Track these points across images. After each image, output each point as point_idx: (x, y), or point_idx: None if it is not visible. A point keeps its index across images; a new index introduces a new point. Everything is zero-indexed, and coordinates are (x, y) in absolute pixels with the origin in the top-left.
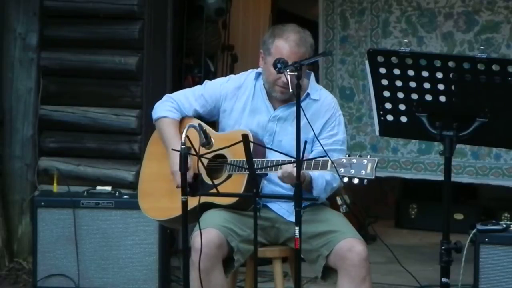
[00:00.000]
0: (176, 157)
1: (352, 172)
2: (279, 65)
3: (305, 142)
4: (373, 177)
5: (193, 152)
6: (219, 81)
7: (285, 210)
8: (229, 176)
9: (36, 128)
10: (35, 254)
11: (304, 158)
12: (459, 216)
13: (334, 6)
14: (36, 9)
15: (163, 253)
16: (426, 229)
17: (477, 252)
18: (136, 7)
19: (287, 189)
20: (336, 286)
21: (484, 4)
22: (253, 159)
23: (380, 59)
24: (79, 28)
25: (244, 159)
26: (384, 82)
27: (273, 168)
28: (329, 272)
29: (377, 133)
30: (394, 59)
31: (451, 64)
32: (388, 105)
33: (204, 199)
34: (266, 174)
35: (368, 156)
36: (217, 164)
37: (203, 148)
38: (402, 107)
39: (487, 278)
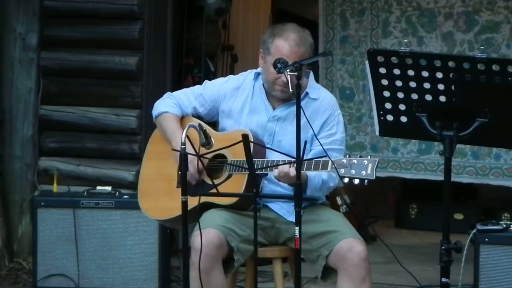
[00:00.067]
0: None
1: (353, 173)
2: (279, 65)
3: (305, 142)
4: (374, 177)
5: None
6: (218, 81)
7: (285, 210)
8: (229, 176)
9: (36, 128)
10: (35, 254)
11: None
12: (459, 216)
13: (334, 6)
14: (36, 9)
15: (163, 253)
16: (426, 229)
17: (477, 252)
18: (136, 7)
19: (287, 189)
20: (336, 286)
21: (484, 4)
22: (253, 159)
23: (380, 59)
24: (79, 28)
25: (244, 159)
26: (384, 82)
27: (273, 168)
28: (329, 272)
29: (377, 133)
30: (394, 59)
31: (451, 64)
32: (388, 105)
33: (204, 199)
34: (266, 174)
35: (369, 157)
36: (217, 164)
37: (203, 148)
38: (402, 107)
39: (487, 278)
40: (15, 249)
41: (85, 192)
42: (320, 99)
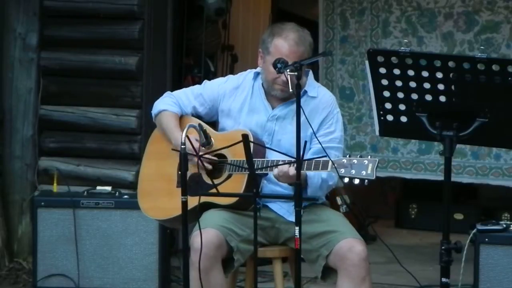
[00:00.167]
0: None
1: (353, 173)
2: (279, 65)
3: (305, 142)
4: (374, 177)
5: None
6: (218, 81)
7: (285, 210)
8: (229, 176)
9: (36, 128)
10: (35, 254)
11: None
12: (459, 216)
13: (334, 6)
14: (36, 9)
15: (163, 253)
16: (426, 229)
17: (477, 252)
18: (136, 7)
19: (287, 189)
20: (336, 286)
21: (484, 4)
22: (253, 159)
23: (380, 59)
24: (79, 28)
25: (244, 159)
26: (384, 82)
27: (273, 168)
28: (329, 272)
29: (377, 133)
30: (394, 59)
31: (451, 64)
32: (388, 105)
33: (204, 199)
34: (266, 174)
35: (369, 157)
36: (217, 164)
37: (203, 148)
38: (402, 107)
39: (487, 278)
40: (15, 249)
41: (85, 192)
42: (319, 97)
